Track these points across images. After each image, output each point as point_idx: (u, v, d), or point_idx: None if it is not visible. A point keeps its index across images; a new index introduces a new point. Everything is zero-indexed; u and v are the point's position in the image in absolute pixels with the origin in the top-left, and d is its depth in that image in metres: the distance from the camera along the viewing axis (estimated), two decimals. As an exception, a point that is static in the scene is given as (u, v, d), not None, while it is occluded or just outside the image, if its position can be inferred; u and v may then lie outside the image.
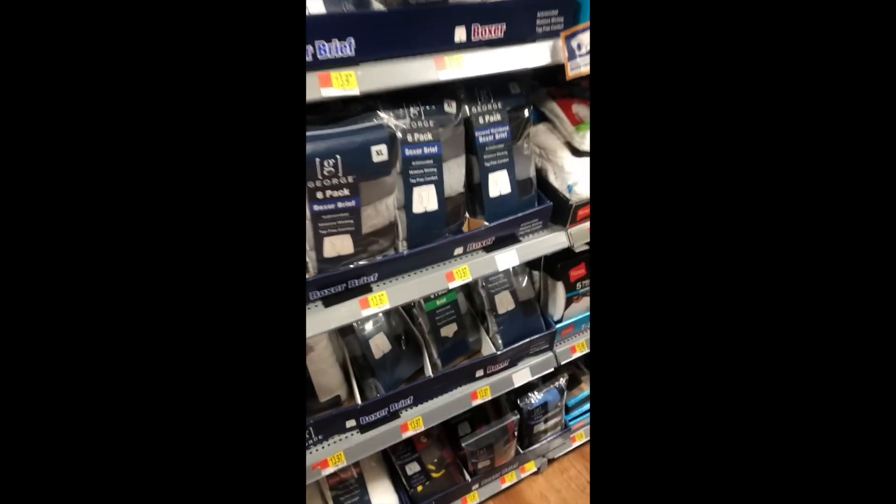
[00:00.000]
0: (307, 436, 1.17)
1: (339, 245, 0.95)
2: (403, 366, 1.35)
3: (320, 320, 1.01)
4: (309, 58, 0.82)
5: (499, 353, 1.36)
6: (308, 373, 1.23)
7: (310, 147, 0.84)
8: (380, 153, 0.88)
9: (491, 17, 0.95)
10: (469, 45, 0.96)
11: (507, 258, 1.21)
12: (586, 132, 1.24)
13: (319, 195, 0.87)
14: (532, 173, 1.24)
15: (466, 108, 1.10)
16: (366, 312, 1.04)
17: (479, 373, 1.38)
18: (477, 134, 1.11)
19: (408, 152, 1.00)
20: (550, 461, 1.78)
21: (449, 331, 1.39)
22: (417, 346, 1.37)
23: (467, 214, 1.19)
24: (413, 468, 1.51)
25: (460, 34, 0.94)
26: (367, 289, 1.06)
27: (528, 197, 1.24)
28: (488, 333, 1.42)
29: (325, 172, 0.85)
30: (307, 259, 0.98)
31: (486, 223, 1.17)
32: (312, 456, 1.18)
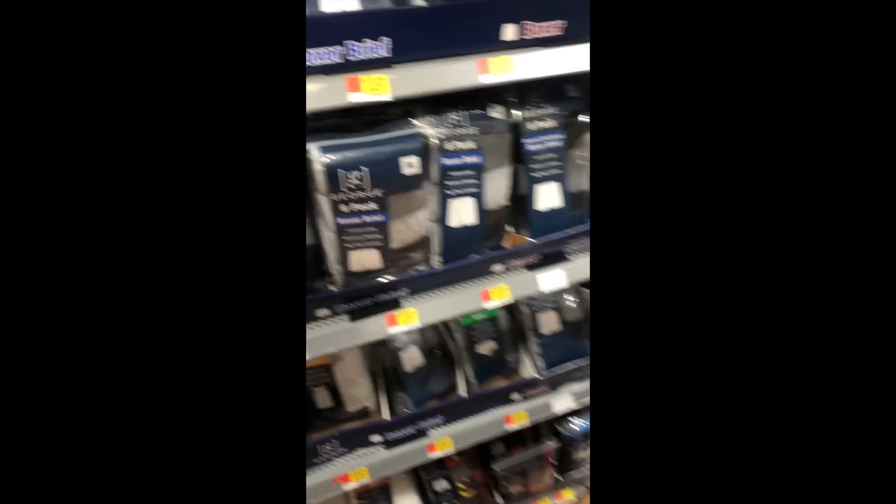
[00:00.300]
0: (330, 447, 1.14)
1: (365, 259, 0.89)
2: (435, 381, 1.29)
3: (345, 335, 0.96)
4: (340, 59, 0.76)
5: (539, 376, 1.26)
6: (336, 381, 1.20)
7: (334, 157, 0.78)
8: (411, 165, 0.81)
9: (547, 12, 0.84)
10: (520, 44, 0.85)
11: (553, 279, 1.10)
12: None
13: (344, 208, 0.81)
14: (587, 185, 1.12)
15: (516, 112, 1.00)
16: (392, 330, 0.98)
17: (516, 396, 1.28)
18: (525, 141, 1.01)
19: (445, 161, 0.92)
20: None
21: (486, 348, 1.30)
22: (451, 361, 1.30)
23: (510, 228, 1.09)
24: (441, 485, 1.45)
25: (510, 32, 0.84)
26: (395, 304, 1.00)
27: (580, 212, 1.12)
28: (529, 354, 1.32)
29: (351, 185, 0.79)
30: (333, 272, 0.93)
31: (531, 239, 1.06)
32: (335, 468, 1.15)
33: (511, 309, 1.37)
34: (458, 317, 1.25)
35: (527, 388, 1.27)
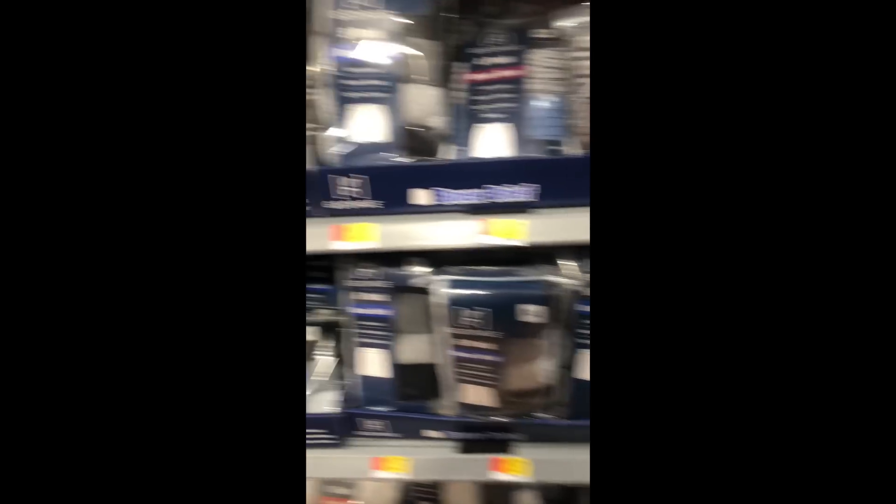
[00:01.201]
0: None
1: (477, 394, 0.86)
2: (551, 543, 1.11)
3: (445, 465, 0.92)
4: (484, 200, 0.79)
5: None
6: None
7: (458, 293, 0.79)
8: (529, 312, 0.76)
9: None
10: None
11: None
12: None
13: (461, 342, 0.81)
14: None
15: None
16: (495, 476, 0.90)
17: None
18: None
19: (581, 308, 0.84)
20: None
21: (619, 525, 1.07)
22: (575, 526, 1.11)
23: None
24: None
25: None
26: (503, 447, 0.92)
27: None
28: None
29: (470, 322, 0.78)
30: (447, 398, 0.91)
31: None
32: None
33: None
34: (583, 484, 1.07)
35: None
